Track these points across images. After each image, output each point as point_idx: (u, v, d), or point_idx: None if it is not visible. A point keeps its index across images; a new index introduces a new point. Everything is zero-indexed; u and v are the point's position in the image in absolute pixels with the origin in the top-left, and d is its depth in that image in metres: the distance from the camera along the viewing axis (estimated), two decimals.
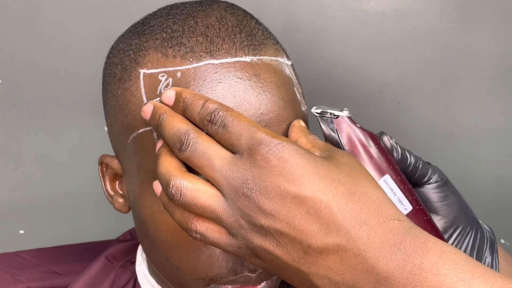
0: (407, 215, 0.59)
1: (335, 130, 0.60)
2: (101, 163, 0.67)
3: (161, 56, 0.59)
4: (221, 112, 0.51)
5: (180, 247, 0.60)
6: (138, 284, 0.73)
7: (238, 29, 0.60)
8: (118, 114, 0.62)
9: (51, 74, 1.03)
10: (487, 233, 0.67)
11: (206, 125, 0.51)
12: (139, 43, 0.61)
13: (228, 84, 0.57)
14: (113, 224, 0.89)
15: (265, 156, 0.48)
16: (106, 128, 0.67)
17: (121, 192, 0.67)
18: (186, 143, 0.51)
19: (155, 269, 0.68)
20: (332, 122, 0.60)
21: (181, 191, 0.50)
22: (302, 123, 0.58)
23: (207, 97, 0.53)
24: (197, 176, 0.51)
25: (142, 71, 0.59)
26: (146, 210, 0.61)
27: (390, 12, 1.02)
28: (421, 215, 0.61)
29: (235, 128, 0.50)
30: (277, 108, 0.58)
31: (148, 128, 0.59)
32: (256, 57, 0.59)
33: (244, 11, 0.64)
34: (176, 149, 0.52)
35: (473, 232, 0.66)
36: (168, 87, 0.57)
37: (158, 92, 0.58)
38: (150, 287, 0.72)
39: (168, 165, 0.52)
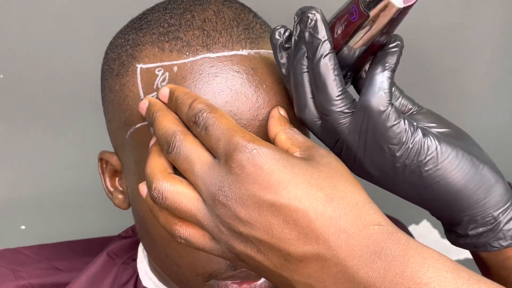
0: None
1: None
2: (100, 159, 0.67)
3: (158, 50, 0.58)
4: (204, 114, 0.50)
5: (179, 243, 0.59)
6: (140, 280, 0.73)
7: (235, 22, 0.60)
8: (116, 110, 0.62)
9: (52, 70, 1.03)
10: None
11: (192, 126, 0.51)
12: (136, 38, 0.61)
13: (225, 78, 0.57)
14: (115, 221, 0.89)
15: (240, 163, 0.47)
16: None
17: (121, 189, 0.67)
18: (172, 146, 0.51)
19: (155, 266, 0.68)
20: None
21: (162, 194, 0.50)
22: (282, 111, 0.57)
23: (196, 97, 0.52)
24: (181, 179, 0.51)
25: (139, 66, 0.59)
26: (144, 206, 0.60)
27: None
28: None
29: (215, 131, 0.49)
30: (274, 102, 0.58)
31: (145, 123, 0.58)
32: (254, 51, 0.59)
33: (242, 5, 0.64)
34: (164, 150, 0.52)
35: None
36: (165, 82, 0.57)
37: (155, 87, 0.58)
38: (152, 284, 0.72)
39: (154, 166, 0.52)
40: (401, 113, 0.54)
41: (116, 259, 0.77)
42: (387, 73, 0.54)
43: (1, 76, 1.04)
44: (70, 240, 0.84)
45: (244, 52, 0.58)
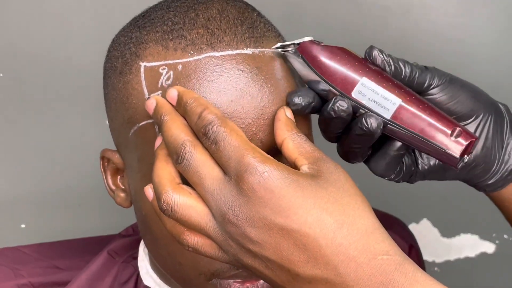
0: (399, 108, 0.56)
1: (303, 59, 0.58)
2: (102, 157, 0.67)
3: (162, 49, 0.58)
4: (215, 127, 0.50)
5: None
6: (141, 279, 0.73)
7: (239, 21, 0.60)
8: (119, 108, 0.61)
9: (52, 68, 1.03)
10: (505, 114, 0.64)
11: (202, 137, 0.51)
12: (139, 36, 0.61)
13: (230, 77, 0.57)
14: (115, 219, 0.89)
15: (251, 186, 0.48)
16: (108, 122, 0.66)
17: (123, 187, 0.67)
18: (181, 157, 0.51)
19: (157, 264, 0.68)
20: (297, 53, 0.58)
21: (172, 207, 0.50)
22: (288, 113, 0.57)
23: (206, 105, 0.52)
24: (190, 190, 0.51)
25: (142, 64, 0.59)
26: (147, 204, 0.60)
27: (394, 6, 1.02)
28: (417, 103, 0.57)
29: (225, 148, 0.50)
30: (279, 101, 0.58)
31: (150, 121, 0.58)
32: (258, 50, 0.59)
33: (246, 3, 0.64)
34: (173, 159, 0.52)
35: (492, 116, 0.62)
36: (169, 81, 0.57)
37: (159, 86, 0.57)
38: (153, 282, 0.71)
39: (162, 175, 0.52)
40: None
41: (117, 257, 0.76)
42: None
43: (1, 74, 1.04)
44: (70, 238, 0.84)
45: (249, 51, 0.58)
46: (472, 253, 1.16)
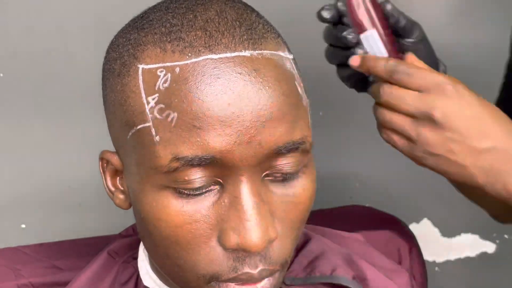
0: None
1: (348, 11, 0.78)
2: (101, 159, 0.67)
3: (160, 51, 0.58)
4: (401, 67, 0.73)
5: (180, 245, 0.59)
6: (140, 280, 0.73)
7: (238, 23, 0.59)
8: (117, 110, 0.61)
9: (53, 68, 1.03)
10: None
11: (394, 76, 0.73)
12: (138, 37, 0.60)
13: (227, 80, 0.56)
14: (116, 219, 0.89)
15: (449, 92, 0.71)
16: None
17: (122, 188, 0.66)
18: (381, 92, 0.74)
19: (156, 266, 0.68)
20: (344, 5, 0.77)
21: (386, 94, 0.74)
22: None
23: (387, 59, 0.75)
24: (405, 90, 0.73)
25: (140, 66, 0.59)
26: (145, 207, 0.60)
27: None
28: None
29: (419, 74, 0.72)
30: (277, 103, 0.57)
31: (147, 125, 0.58)
32: (256, 52, 0.58)
33: (245, 4, 0.63)
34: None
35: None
36: (167, 83, 0.57)
37: (156, 88, 0.57)
38: (152, 283, 0.71)
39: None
40: None
41: (117, 257, 0.76)
42: None
43: (1, 74, 1.04)
44: (70, 239, 0.84)
45: (247, 53, 0.58)
46: (472, 253, 1.16)
